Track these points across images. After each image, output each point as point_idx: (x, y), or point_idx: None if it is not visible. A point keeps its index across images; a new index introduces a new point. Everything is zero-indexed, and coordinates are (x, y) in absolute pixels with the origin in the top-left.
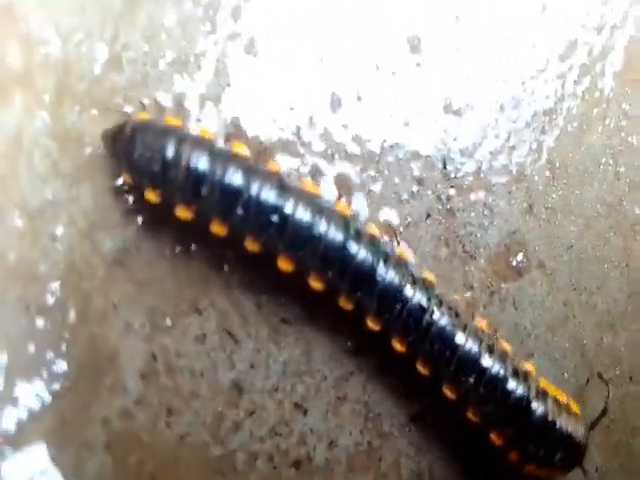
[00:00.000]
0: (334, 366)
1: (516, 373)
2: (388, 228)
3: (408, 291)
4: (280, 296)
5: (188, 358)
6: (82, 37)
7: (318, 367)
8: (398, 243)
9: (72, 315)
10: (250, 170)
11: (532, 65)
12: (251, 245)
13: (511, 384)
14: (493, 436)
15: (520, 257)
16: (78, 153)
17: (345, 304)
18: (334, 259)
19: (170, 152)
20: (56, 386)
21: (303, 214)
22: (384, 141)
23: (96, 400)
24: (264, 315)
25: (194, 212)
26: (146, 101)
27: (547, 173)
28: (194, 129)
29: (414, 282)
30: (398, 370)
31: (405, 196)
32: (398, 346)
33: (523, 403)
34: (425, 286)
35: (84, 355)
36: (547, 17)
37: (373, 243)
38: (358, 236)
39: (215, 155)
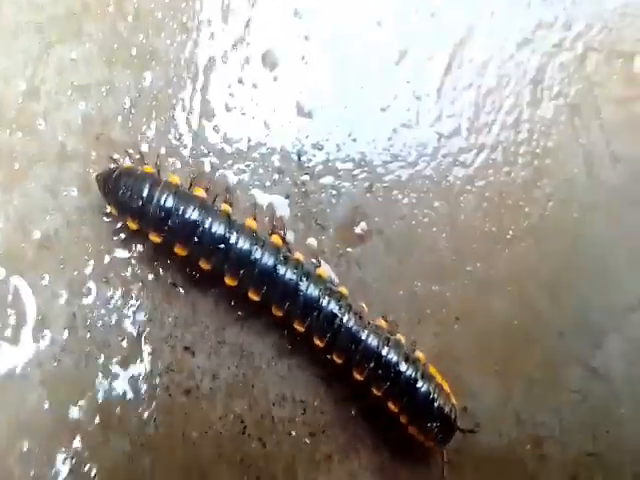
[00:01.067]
0: (215, 319)
1: (407, 359)
2: (313, 254)
3: (324, 301)
4: (172, 266)
5: (100, 316)
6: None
7: (202, 319)
8: (319, 264)
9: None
10: (204, 208)
11: (365, 71)
12: (204, 265)
13: (402, 367)
14: (391, 405)
15: (363, 226)
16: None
17: (276, 312)
18: (266, 278)
19: (145, 193)
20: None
21: (243, 243)
22: (249, 140)
23: None
24: (160, 281)
25: (162, 237)
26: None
27: (384, 158)
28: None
29: (330, 294)
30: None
31: (268, 183)
32: (318, 343)
33: (411, 382)
34: (338, 297)
35: None
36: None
37: (297, 265)
38: (285, 260)
39: (179, 195)
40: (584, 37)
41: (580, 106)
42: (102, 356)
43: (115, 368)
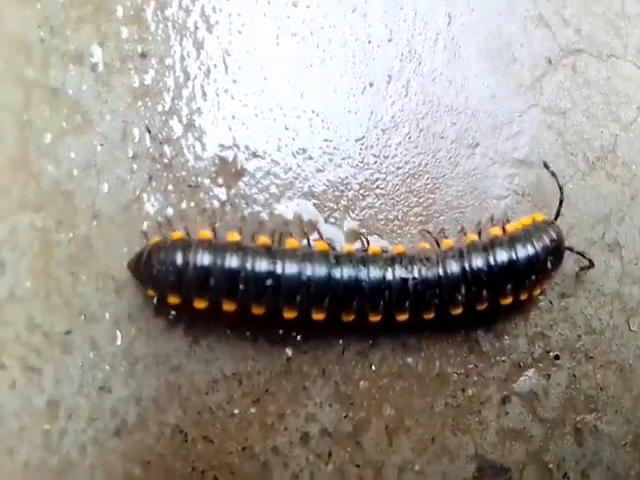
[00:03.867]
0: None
1: (484, 248)
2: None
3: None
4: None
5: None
6: None
7: (107, 351)
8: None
9: None
10: (243, 252)
11: None
12: (257, 310)
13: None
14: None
15: (240, 160)
16: None
17: (347, 318)
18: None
19: (179, 261)
20: None
21: (292, 267)
22: None
23: None
24: (55, 341)
25: (208, 300)
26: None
27: None
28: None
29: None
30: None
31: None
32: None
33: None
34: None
35: None
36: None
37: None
38: (338, 260)
39: (213, 250)
40: None
41: None
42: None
43: (36, 438)
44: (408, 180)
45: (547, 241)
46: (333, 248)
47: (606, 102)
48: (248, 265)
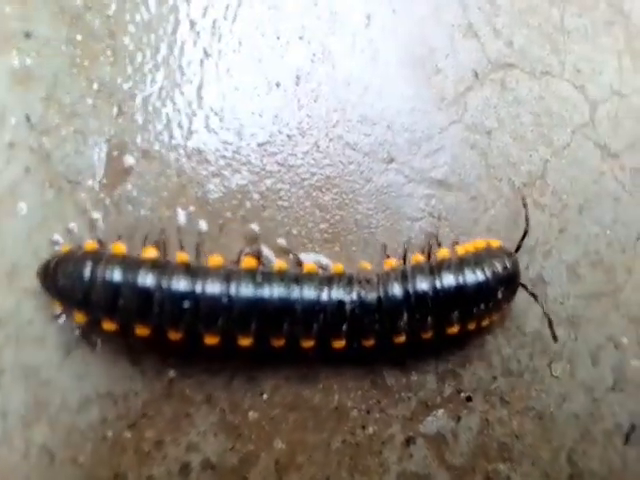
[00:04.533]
0: None
1: (431, 270)
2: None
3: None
4: None
5: None
6: None
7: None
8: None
9: None
10: (160, 270)
11: None
12: (174, 335)
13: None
14: (450, 330)
15: (127, 158)
16: None
17: (278, 343)
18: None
19: (86, 275)
20: None
21: (211, 288)
22: None
23: None
24: None
25: (117, 322)
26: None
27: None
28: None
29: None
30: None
31: None
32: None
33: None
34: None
35: None
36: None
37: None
38: (268, 279)
39: (126, 266)
40: None
41: None
42: None
43: None
44: (314, 193)
45: (499, 269)
46: (263, 265)
47: (537, 123)
48: (164, 284)
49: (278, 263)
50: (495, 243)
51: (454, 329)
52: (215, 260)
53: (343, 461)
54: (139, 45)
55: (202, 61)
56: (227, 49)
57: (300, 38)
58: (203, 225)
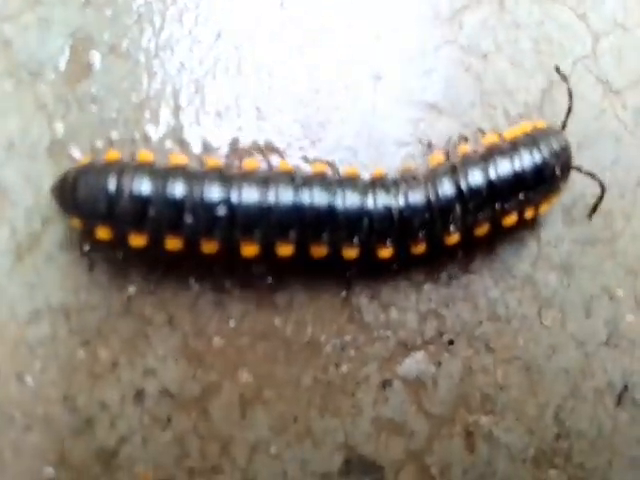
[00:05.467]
0: None
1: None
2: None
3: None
4: None
5: None
6: None
7: None
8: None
9: None
10: (190, 177)
11: None
12: (208, 247)
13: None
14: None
15: (93, 54)
16: None
17: (320, 251)
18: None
19: (111, 186)
20: None
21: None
22: None
23: None
24: None
25: (147, 236)
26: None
27: None
28: (135, 155)
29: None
30: None
31: None
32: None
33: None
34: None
35: None
36: None
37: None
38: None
39: (155, 174)
40: None
41: None
42: None
43: None
44: (297, 107)
45: (555, 147)
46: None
47: (536, 50)
48: (196, 192)
49: (317, 166)
50: (540, 124)
51: (511, 219)
52: (251, 164)
53: (313, 400)
54: None
55: None
56: None
57: None
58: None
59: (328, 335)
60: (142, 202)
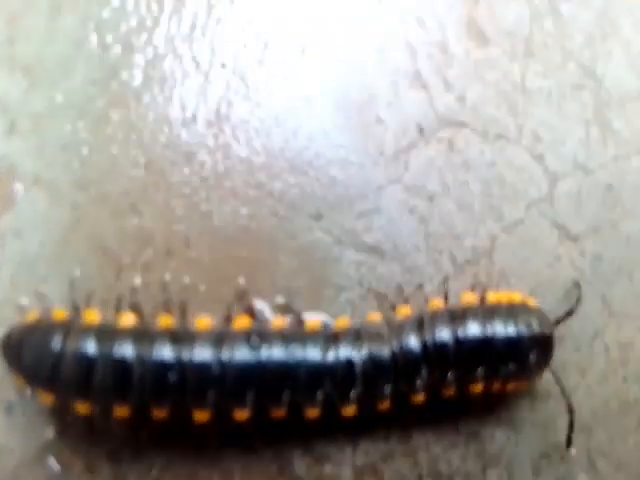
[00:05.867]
0: None
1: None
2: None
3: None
4: None
5: None
6: None
7: None
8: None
9: None
10: (138, 337)
11: None
12: (160, 413)
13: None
14: (473, 389)
15: (16, 185)
16: None
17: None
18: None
19: (54, 349)
20: None
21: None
22: None
23: None
24: None
25: (93, 403)
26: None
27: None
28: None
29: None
30: None
31: None
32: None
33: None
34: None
35: None
36: None
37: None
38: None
39: (100, 336)
40: None
41: None
42: None
43: None
44: (229, 245)
45: (536, 328)
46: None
47: (487, 193)
48: (144, 354)
49: (276, 321)
50: (532, 302)
51: (477, 387)
52: (203, 323)
53: None
54: None
55: None
56: None
57: (222, 66)
58: None
59: None
60: (87, 366)
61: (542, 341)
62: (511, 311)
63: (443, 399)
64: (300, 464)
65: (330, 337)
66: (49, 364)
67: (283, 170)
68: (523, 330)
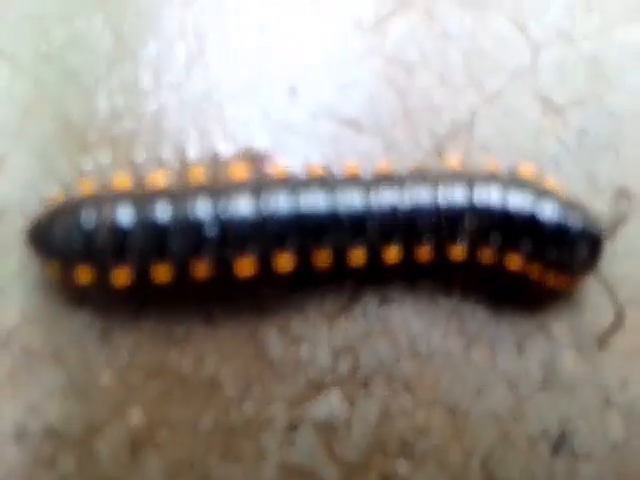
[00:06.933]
0: None
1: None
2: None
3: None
4: None
5: None
6: None
7: None
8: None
9: None
10: (174, 197)
11: None
12: (203, 272)
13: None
14: (513, 261)
15: None
16: None
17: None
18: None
19: (89, 222)
20: None
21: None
22: None
23: None
24: None
25: (134, 268)
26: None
27: None
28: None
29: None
30: None
31: None
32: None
33: (528, 217)
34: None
35: None
36: None
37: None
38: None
39: (135, 201)
40: None
41: None
42: None
43: None
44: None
45: (588, 226)
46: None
47: (467, 64)
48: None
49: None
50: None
51: (517, 262)
52: (238, 171)
53: (212, 443)
54: None
55: None
56: None
57: None
58: None
59: (230, 372)
60: (124, 233)
61: (590, 239)
62: (569, 203)
63: (478, 264)
64: (276, 345)
65: (370, 182)
66: (87, 236)
67: (253, 37)
68: (575, 222)
